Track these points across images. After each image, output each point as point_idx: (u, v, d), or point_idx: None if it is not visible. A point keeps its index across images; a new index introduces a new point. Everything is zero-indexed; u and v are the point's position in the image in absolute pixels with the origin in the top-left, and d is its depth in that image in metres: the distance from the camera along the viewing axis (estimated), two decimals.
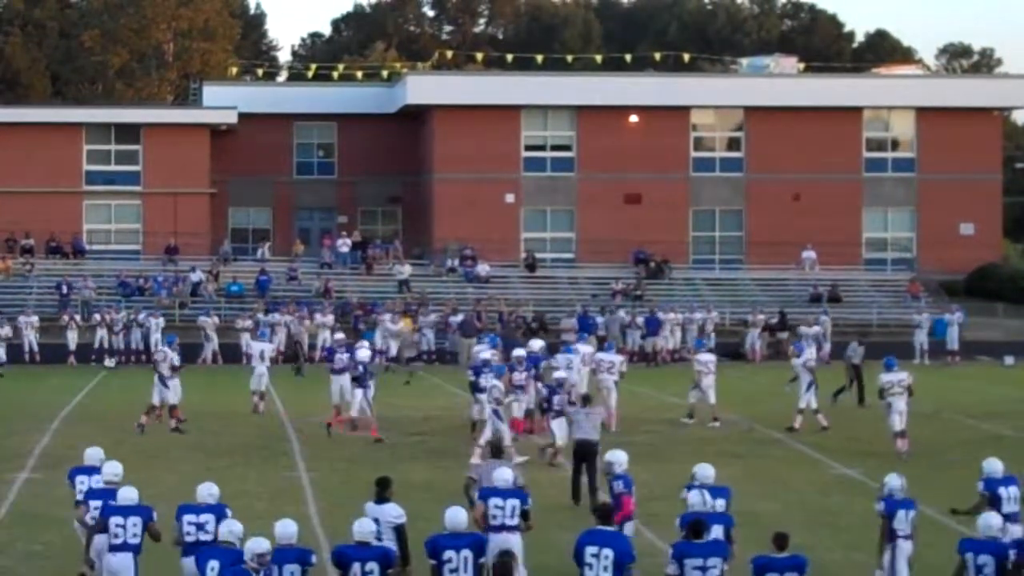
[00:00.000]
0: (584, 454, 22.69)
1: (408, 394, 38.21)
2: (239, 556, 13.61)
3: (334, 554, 13.93)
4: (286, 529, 14.01)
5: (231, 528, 14.14)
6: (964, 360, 48.85)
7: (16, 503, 22.82)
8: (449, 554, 13.91)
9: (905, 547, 16.12)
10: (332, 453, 27.45)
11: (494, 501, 15.69)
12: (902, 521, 16.12)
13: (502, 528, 15.54)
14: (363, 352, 30.31)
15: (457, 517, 14.27)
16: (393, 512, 14.83)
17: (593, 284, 55.83)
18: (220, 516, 15.16)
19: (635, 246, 57.01)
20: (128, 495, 15.48)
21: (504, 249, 57.18)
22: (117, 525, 15.16)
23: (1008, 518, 16.17)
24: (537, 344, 31.23)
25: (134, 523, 15.17)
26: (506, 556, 13.73)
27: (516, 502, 15.70)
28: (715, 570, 13.72)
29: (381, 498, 15.04)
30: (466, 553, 13.94)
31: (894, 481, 16.31)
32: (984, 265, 58.52)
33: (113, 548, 15.14)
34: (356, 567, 13.62)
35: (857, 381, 35.89)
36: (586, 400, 24.25)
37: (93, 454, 17.65)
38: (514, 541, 15.47)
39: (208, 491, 15.64)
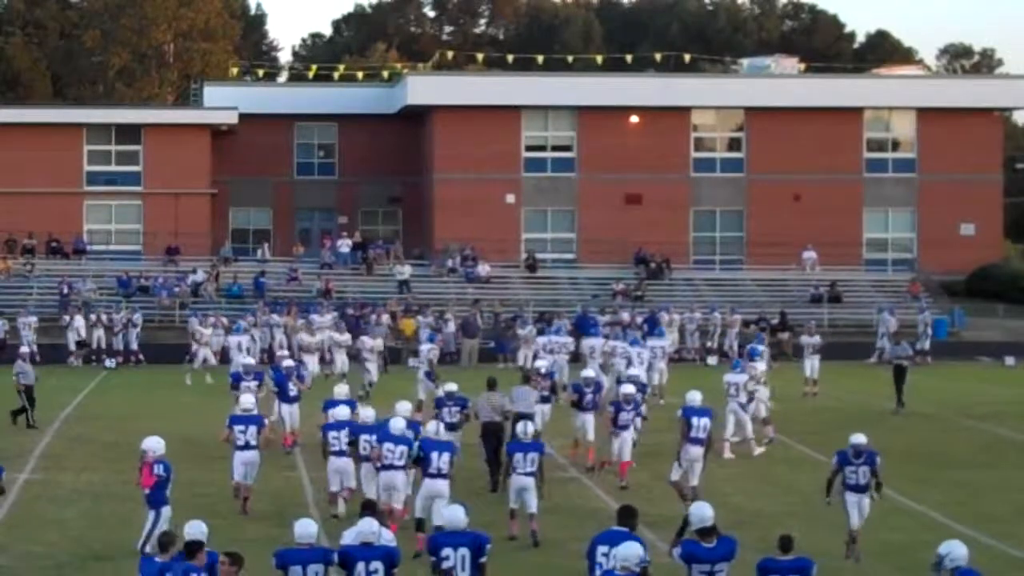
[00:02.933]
0: (494, 432, 24.15)
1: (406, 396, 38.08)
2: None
3: (339, 554, 13.93)
4: (307, 528, 14.04)
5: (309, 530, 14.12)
6: (955, 359, 48.68)
7: (16, 503, 22.79)
8: (447, 551, 13.94)
9: (519, 480, 19.90)
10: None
11: (387, 445, 20.08)
12: (520, 461, 19.96)
13: (390, 467, 19.98)
14: (286, 362, 29.73)
15: (456, 515, 14.29)
16: (385, 536, 14.48)
17: (594, 284, 55.80)
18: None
19: (636, 246, 56.99)
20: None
21: (505, 249, 57.17)
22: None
23: (694, 442, 21.79)
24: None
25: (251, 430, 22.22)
26: None
27: (404, 448, 19.94)
28: (722, 574, 13.73)
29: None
30: (463, 552, 13.95)
31: (528, 428, 20.71)
32: (985, 265, 58.51)
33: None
34: (360, 567, 13.64)
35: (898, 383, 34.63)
36: (490, 385, 24.96)
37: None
38: (399, 479, 20.03)
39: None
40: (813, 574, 13.75)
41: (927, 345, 48.81)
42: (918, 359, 47.95)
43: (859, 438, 19.07)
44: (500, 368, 43.66)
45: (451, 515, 14.34)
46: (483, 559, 14.08)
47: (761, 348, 31.08)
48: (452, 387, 24.87)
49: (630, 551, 13.04)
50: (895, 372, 34.96)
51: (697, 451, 22.01)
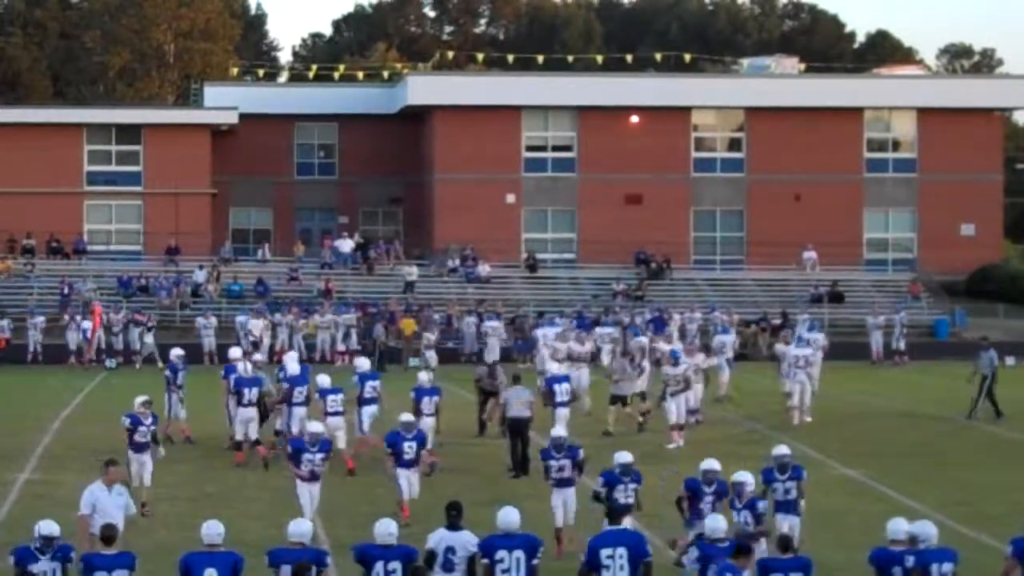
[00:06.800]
0: (518, 429, 25.46)
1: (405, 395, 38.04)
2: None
3: (357, 551, 13.95)
4: (300, 528, 14.05)
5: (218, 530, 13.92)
6: (955, 359, 48.49)
7: (16, 503, 22.77)
8: (502, 554, 13.91)
9: (425, 422, 24.77)
10: (332, 454, 27.38)
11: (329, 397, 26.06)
12: (426, 404, 25.44)
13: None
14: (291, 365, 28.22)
15: (509, 517, 14.22)
16: (468, 540, 14.37)
17: (594, 285, 55.81)
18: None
19: (636, 246, 57.00)
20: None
21: (505, 250, 57.16)
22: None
23: (561, 404, 26.43)
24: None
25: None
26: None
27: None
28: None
29: (454, 524, 14.58)
30: (518, 554, 13.94)
31: (428, 375, 26.81)
32: (985, 266, 58.52)
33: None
34: (379, 566, 13.67)
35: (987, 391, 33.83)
36: (516, 380, 26.77)
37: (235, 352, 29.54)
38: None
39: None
40: (813, 573, 13.82)
41: (902, 345, 48.79)
42: (896, 359, 48.22)
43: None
44: (522, 368, 43.66)
45: (506, 517, 14.25)
46: (535, 561, 14.05)
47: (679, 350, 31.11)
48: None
49: None
50: (988, 380, 33.90)
51: (563, 412, 26.53)
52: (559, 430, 19.96)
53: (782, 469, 17.85)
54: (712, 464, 17.32)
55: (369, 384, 26.88)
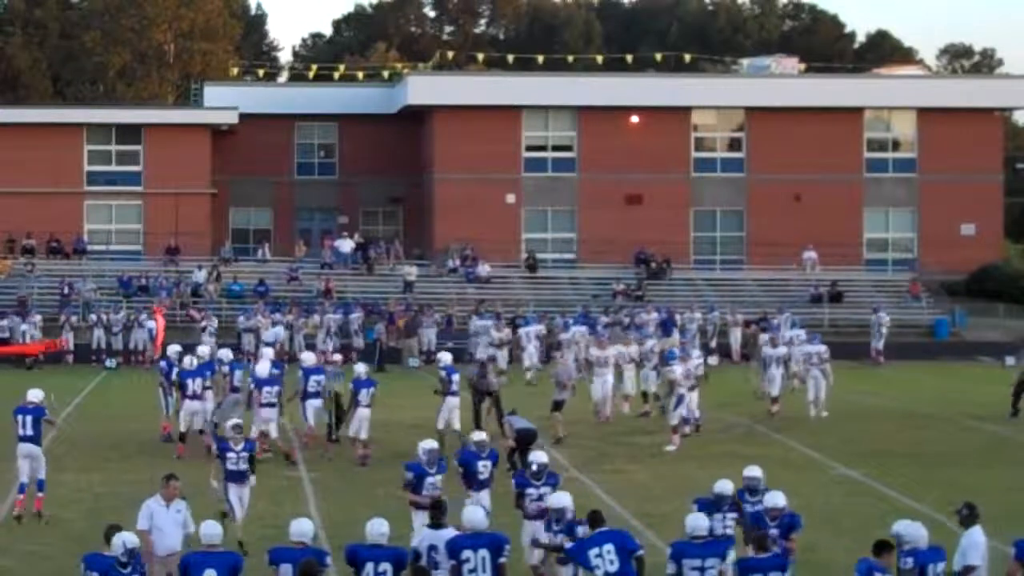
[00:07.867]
0: (527, 440, 24.63)
1: (405, 395, 38.07)
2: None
3: (347, 552, 13.97)
4: (301, 527, 14.08)
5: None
6: (955, 359, 48.65)
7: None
8: (467, 554, 13.95)
9: (362, 412, 26.43)
10: (333, 454, 27.41)
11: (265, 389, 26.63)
12: (364, 396, 26.48)
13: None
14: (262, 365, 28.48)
15: (475, 516, 14.30)
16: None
17: (594, 284, 55.81)
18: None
19: (636, 246, 57.00)
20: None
21: (505, 249, 57.17)
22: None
23: (452, 394, 27.14)
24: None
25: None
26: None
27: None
28: (713, 571, 13.89)
29: (437, 523, 14.68)
30: (483, 553, 13.97)
31: (362, 367, 27.53)
32: (985, 265, 58.52)
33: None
34: (369, 567, 13.69)
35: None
36: (511, 412, 26.17)
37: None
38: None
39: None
40: (789, 570, 13.93)
41: (881, 345, 48.81)
42: (877, 358, 48.24)
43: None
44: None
45: (471, 516, 14.35)
46: (502, 559, 14.10)
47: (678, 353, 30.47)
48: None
49: None
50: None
51: (454, 400, 27.15)
52: (541, 456, 17.84)
53: (752, 492, 16.59)
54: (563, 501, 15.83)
55: (313, 379, 27.47)
